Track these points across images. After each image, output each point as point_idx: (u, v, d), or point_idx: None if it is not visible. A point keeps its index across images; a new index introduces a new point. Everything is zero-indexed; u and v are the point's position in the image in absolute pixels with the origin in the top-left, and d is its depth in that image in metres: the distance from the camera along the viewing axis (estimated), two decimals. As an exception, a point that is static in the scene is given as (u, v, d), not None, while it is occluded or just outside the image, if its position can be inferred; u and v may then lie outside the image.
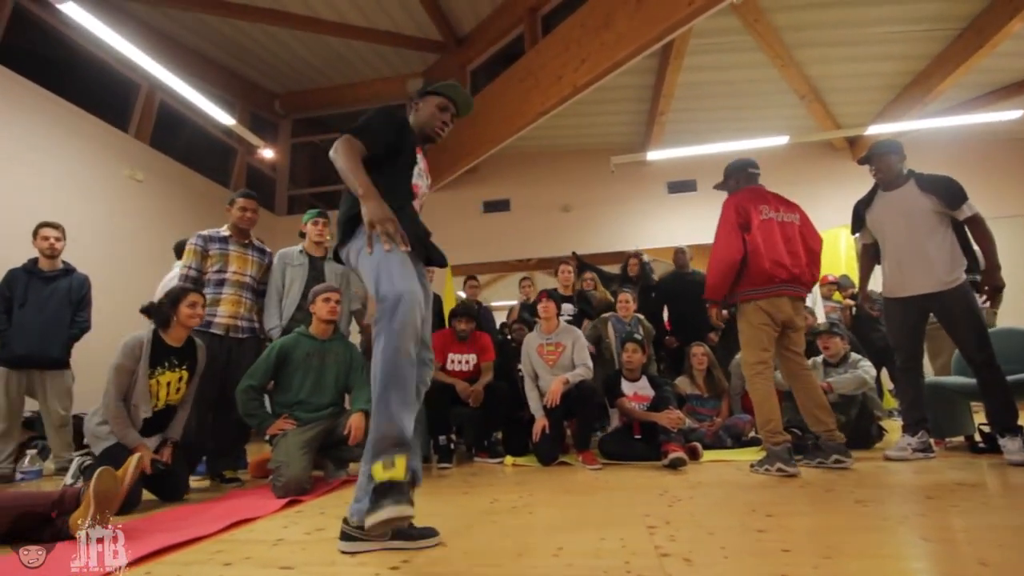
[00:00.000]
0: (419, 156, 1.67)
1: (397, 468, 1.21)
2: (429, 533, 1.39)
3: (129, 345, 2.25)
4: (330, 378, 2.66)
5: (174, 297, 2.37)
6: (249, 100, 6.91)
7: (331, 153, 1.50)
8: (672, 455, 2.57)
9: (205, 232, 2.89)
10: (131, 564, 1.30)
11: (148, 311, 2.39)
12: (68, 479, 2.42)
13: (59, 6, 3.80)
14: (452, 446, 3.14)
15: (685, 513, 1.66)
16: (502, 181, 6.82)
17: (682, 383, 3.49)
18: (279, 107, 7.41)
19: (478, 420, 3.33)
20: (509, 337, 4.17)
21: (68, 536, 1.53)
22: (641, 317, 3.89)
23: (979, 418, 2.73)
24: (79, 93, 4.67)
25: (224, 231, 2.93)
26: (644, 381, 3.12)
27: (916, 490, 1.88)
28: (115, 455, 2.09)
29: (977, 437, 2.76)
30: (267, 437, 2.49)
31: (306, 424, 2.51)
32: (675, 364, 3.98)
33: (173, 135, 5.85)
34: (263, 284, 3.02)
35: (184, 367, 2.41)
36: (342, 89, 7.21)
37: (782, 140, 5.65)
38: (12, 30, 4.21)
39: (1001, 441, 2.29)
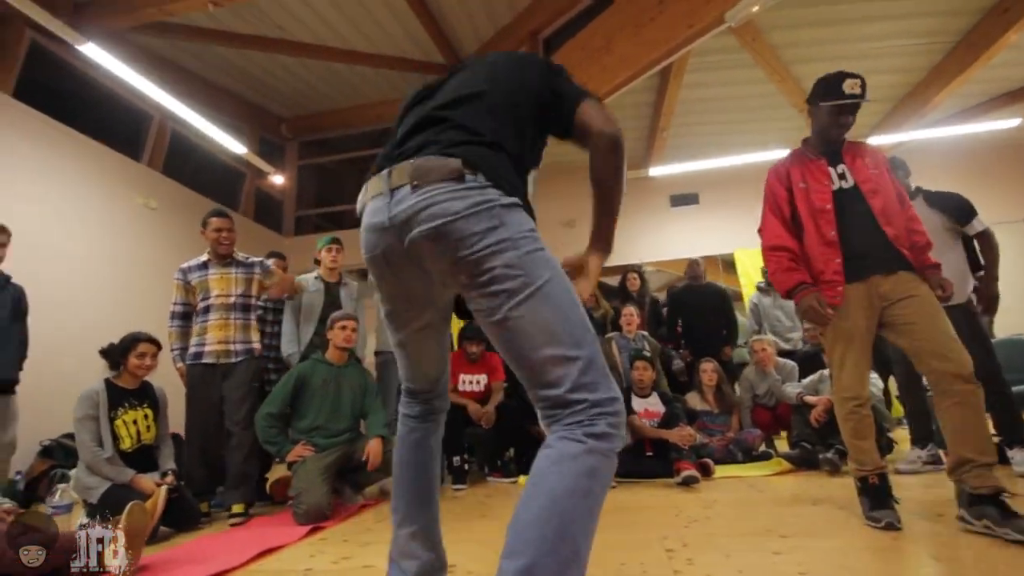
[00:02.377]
0: None
1: None
2: None
3: (84, 396, 2.32)
4: (346, 404, 2.72)
5: (124, 346, 2.44)
6: (257, 124, 7.05)
7: (617, 138, 1.08)
8: (684, 473, 2.61)
9: (185, 264, 2.83)
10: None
11: (104, 353, 2.46)
12: (82, 520, 2.44)
13: (79, 47, 3.93)
14: (466, 467, 3.18)
15: (702, 534, 1.70)
16: (506, 198, 6.93)
17: (692, 399, 3.52)
18: (286, 130, 7.55)
19: (490, 439, 3.38)
20: None
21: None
22: (645, 333, 3.92)
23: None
24: (93, 125, 4.79)
25: (204, 257, 2.83)
26: (655, 398, 3.16)
27: (927, 506, 1.91)
28: (114, 496, 2.14)
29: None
30: (287, 463, 2.54)
31: (324, 450, 2.56)
32: (690, 378, 3.96)
33: (184, 162, 5.97)
34: (259, 298, 2.93)
35: (146, 405, 2.46)
36: (348, 111, 7.35)
37: (783, 153, 5.72)
38: (28, 66, 4.34)
39: (1009, 453, 2.32)
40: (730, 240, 6.16)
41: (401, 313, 1.09)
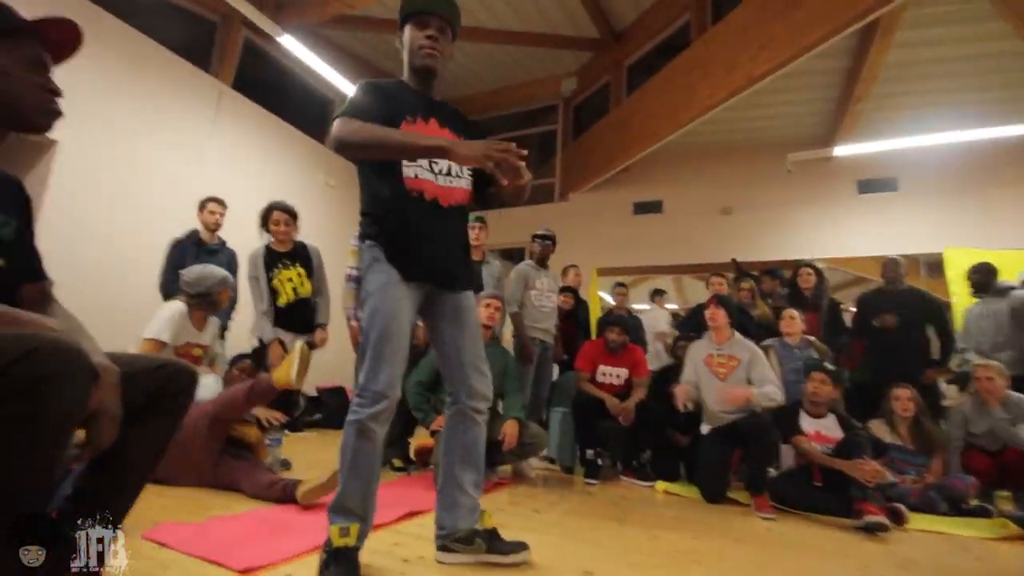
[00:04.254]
0: (419, 124, 1.42)
1: (351, 536, 1.25)
2: (520, 548, 1.44)
3: (248, 259, 3.00)
4: (487, 381, 2.74)
5: (263, 216, 3.02)
6: (417, 108, 7.56)
7: (337, 141, 1.26)
8: (870, 518, 2.15)
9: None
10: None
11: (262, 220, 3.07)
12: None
13: (278, 39, 4.49)
14: (599, 461, 3.05)
15: (907, 608, 1.35)
16: (654, 181, 6.46)
17: (877, 428, 2.91)
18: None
19: (627, 437, 3.19)
20: (669, 352, 3.86)
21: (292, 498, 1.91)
22: (813, 340, 3.33)
23: None
24: (289, 111, 5.52)
25: None
26: (831, 419, 2.66)
27: None
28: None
29: None
30: (431, 431, 2.66)
31: (463, 423, 2.62)
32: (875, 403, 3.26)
33: (356, 143, 6.66)
34: None
35: (298, 264, 3.00)
36: (497, 93, 7.47)
37: (1026, 128, 4.45)
38: (242, 62, 5.11)
39: None
40: (938, 236, 5.00)
41: None
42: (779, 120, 5.74)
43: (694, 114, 4.71)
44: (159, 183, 4.16)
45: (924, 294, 3.49)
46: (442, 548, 1.45)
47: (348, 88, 5.04)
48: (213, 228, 3.43)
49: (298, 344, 2.20)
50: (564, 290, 3.98)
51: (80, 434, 0.80)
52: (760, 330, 3.65)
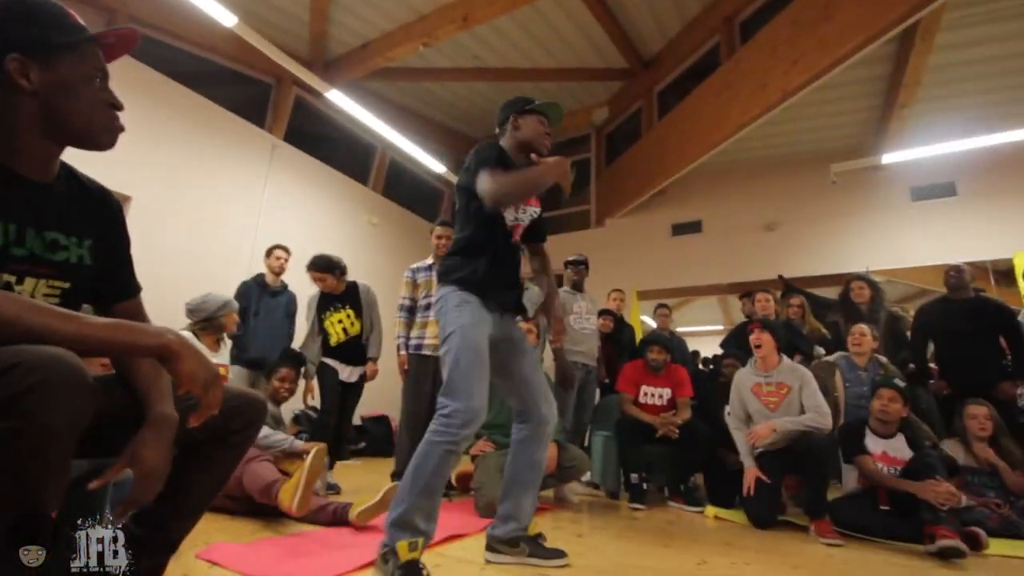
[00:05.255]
0: None
1: (419, 550, 1.36)
2: (559, 554, 1.60)
3: (308, 302, 3.23)
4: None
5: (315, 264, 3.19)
6: (452, 146, 7.87)
7: (492, 190, 1.48)
8: (942, 541, 1.97)
9: (414, 265, 3.28)
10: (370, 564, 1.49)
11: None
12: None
13: (326, 94, 4.87)
14: (644, 486, 2.96)
15: (984, 634, 1.23)
16: (692, 201, 6.39)
17: (952, 448, 2.68)
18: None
19: (674, 460, 3.09)
20: (715, 370, 3.75)
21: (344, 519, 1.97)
22: (883, 360, 3.12)
23: None
24: (336, 158, 5.91)
25: (429, 260, 3.26)
26: (900, 440, 2.47)
27: None
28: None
29: None
30: (470, 456, 2.68)
31: (503, 447, 2.63)
32: (947, 420, 3.02)
33: (398, 183, 6.99)
34: None
35: (347, 306, 3.15)
36: (531, 127, 7.69)
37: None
38: (293, 116, 5.55)
39: None
40: (1007, 241, 4.67)
41: None
42: (820, 132, 5.61)
43: (728, 133, 4.68)
44: (220, 232, 4.51)
45: (994, 301, 3.23)
46: (489, 548, 1.61)
47: (388, 132, 5.35)
48: (278, 272, 3.62)
49: (314, 451, 2.09)
50: (603, 313, 3.97)
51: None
52: (812, 347, 3.49)
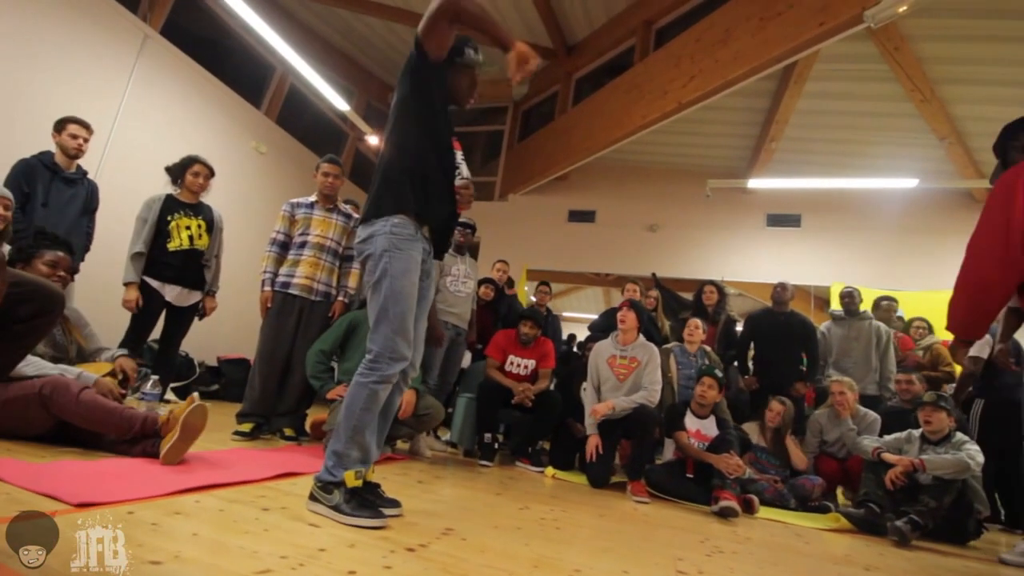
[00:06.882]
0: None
1: (362, 478, 1.46)
2: (394, 503, 1.56)
3: (145, 202, 2.90)
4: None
5: (183, 164, 2.97)
6: (365, 89, 7.42)
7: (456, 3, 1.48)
8: (723, 503, 2.38)
9: (294, 200, 2.98)
10: (187, 491, 1.44)
11: (167, 169, 2.99)
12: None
13: (220, -8, 4.29)
14: (496, 446, 3.15)
15: (723, 567, 1.52)
16: (590, 191, 6.75)
17: (751, 430, 3.22)
18: (391, 98, 7.90)
19: (527, 425, 3.31)
20: (579, 352, 4.05)
21: (155, 455, 1.75)
22: (708, 349, 3.62)
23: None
24: (225, 71, 5.26)
25: (312, 197, 2.99)
26: (711, 421, 2.91)
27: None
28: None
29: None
30: (328, 398, 2.64)
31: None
32: (756, 409, 3.59)
33: (297, 116, 6.43)
34: (349, 248, 3.01)
35: (200, 218, 2.96)
36: (451, 87, 7.51)
37: (910, 183, 5.08)
38: (176, 10, 4.82)
39: None
40: (830, 271, 5.58)
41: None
42: (705, 149, 6.19)
43: (628, 132, 4.99)
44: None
45: (801, 317, 3.89)
46: (311, 497, 1.48)
47: (289, 54, 4.89)
48: (73, 155, 2.91)
49: (193, 405, 1.79)
50: (486, 281, 4.07)
51: None
52: (662, 342, 3.93)
